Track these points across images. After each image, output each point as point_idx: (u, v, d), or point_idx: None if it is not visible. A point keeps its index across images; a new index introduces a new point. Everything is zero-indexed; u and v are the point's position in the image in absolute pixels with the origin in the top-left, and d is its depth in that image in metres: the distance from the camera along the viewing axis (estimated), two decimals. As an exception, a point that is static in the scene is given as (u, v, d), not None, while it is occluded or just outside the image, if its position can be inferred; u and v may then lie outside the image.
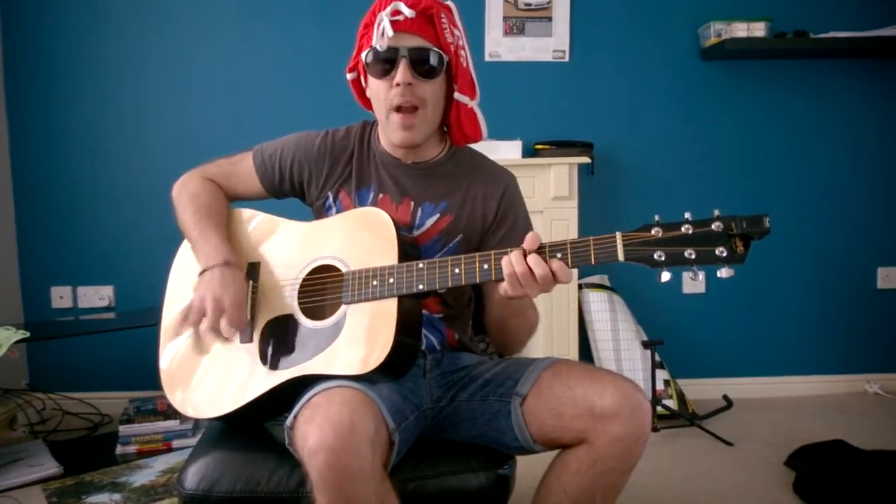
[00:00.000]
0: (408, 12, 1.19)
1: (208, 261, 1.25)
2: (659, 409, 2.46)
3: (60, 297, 2.72)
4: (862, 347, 2.88)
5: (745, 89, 2.77)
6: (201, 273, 1.25)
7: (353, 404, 1.04)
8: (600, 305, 2.66)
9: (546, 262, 1.07)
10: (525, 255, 1.08)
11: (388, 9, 1.20)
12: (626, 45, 2.75)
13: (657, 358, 2.52)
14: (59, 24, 2.65)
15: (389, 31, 1.19)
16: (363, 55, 1.25)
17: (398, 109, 1.23)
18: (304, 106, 2.70)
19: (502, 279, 1.10)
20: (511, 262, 1.08)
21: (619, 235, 1.05)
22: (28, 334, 2.07)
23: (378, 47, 1.21)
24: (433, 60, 1.22)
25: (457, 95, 1.27)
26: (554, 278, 1.07)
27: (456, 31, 1.26)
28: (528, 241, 1.09)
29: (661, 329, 2.67)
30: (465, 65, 1.27)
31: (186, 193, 1.36)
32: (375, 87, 1.26)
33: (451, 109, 1.28)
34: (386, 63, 1.22)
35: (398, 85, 1.21)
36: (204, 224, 1.30)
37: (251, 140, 1.46)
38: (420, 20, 1.21)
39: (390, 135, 1.28)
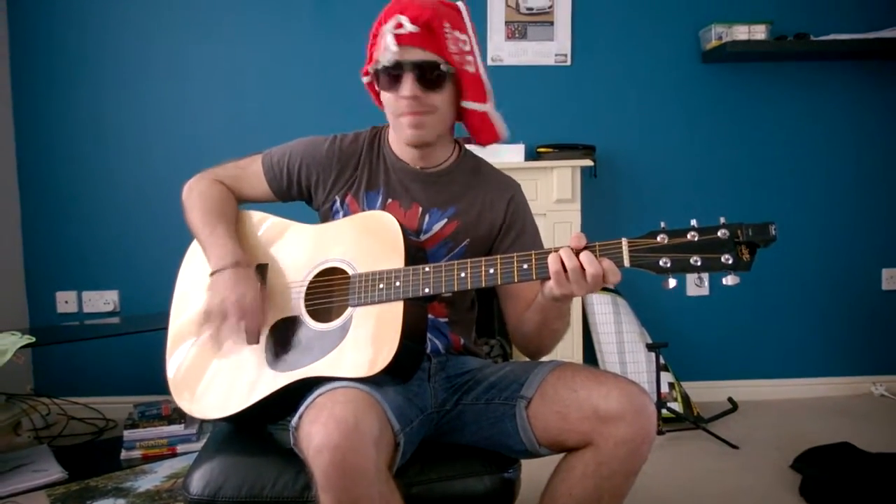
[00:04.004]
0: (410, 27, 1.20)
1: (219, 262, 1.26)
2: (664, 411, 2.45)
3: (65, 301, 2.73)
4: (867, 349, 2.87)
5: (746, 92, 2.77)
6: (213, 274, 1.26)
7: (357, 404, 1.05)
8: (604, 308, 2.66)
9: (597, 259, 1.05)
10: (576, 253, 1.06)
11: (391, 23, 1.20)
12: (627, 49, 2.75)
13: (661, 360, 2.52)
14: (66, 33, 2.66)
15: (393, 47, 1.20)
16: (370, 68, 1.27)
17: (407, 114, 1.25)
18: (306, 107, 2.70)
19: (542, 278, 1.08)
20: (561, 258, 1.06)
21: (624, 242, 1.04)
22: (33, 339, 2.08)
23: (384, 62, 1.22)
24: (437, 73, 1.23)
25: (464, 104, 1.27)
26: (604, 277, 1.05)
27: (461, 37, 1.26)
28: (575, 240, 1.07)
29: (666, 331, 2.67)
30: (472, 70, 1.27)
31: (196, 194, 1.37)
32: (385, 97, 1.28)
33: (466, 116, 1.30)
34: (392, 76, 1.23)
35: (405, 98, 1.22)
36: (213, 224, 1.31)
37: (255, 142, 1.47)
38: (423, 33, 1.21)
39: (402, 134, 1.28)
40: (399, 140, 1.33)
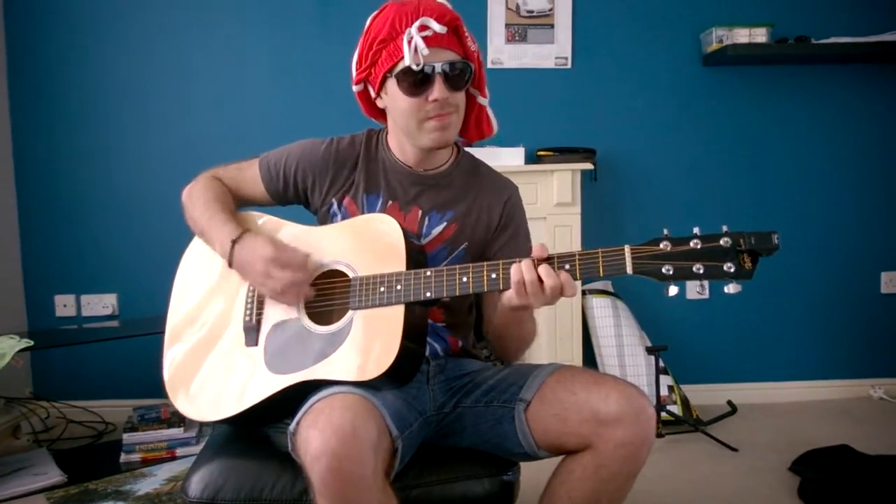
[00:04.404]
0: (438, 28, 1.19)
1: (225, 244, 1.25)
2: (663, 414, 2.46)
3: (64, 305, 2.73)
4: (866, 352, 2.87)
5: (746, 95, 2.78)
6: (230, 262, 1.24)
7: (355, 410, 1.04)
8: (604, 311, 2.66)
9: (555, 272, 1.06)
10: (536, 265, 1.07)
11: (416, 24, 1.19)
12: (628, 51, 2.76)
13: (661, 363, 2.52)
14: (65, 35, 2.67)
15: (425, 50, 1.18)
16: (394, 72, 1.22)
17: (434, 117, 1.24)
18: (305, 113, 2.71)
19: (509, 288, 1.09)
20: (521, 269, 1.07)
21: (627, 249, 1.04)
22: (32, 343, 2.08)
23: (414, 65, 1.19)
24: (466, 73, 1.24)
25: (480, 100, 1.32)
26: (561, 291, 1.06)
27: (472, 35, 1.28)
28: (538, 251, 1.08)
29: (665, 334, 2.67)
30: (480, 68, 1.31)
31: (196, 192, 1.36)
32: (404, 102, 1.23)
33: (473, 111, 1.34)
34: (420, 80, 1.21)
35: (435, 101, 1.21)
36: (213, 211, 1.31)
37: (254, 148, 1.47)
38: (450, 33, 1.22)
39: (422, 139, 1.26)
40: (418, 144, 1.28)
